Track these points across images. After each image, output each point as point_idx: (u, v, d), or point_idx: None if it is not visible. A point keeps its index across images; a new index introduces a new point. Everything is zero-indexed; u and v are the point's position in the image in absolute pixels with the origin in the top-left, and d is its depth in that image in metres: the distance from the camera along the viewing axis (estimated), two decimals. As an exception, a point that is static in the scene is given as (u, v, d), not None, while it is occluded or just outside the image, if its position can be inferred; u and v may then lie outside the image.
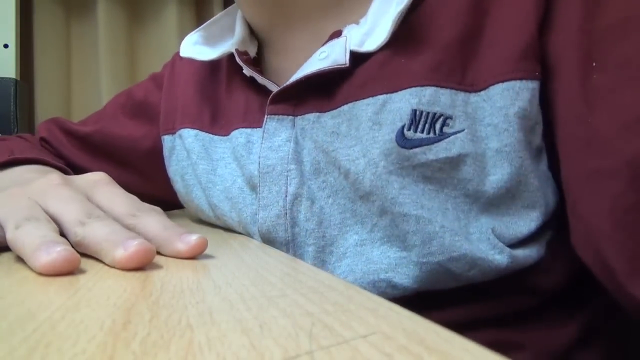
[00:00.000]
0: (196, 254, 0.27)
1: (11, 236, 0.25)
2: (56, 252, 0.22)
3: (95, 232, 0.26)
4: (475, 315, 0.36)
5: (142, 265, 0.24)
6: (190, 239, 0.27)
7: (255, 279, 0.22)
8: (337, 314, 0.16)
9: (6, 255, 0.27)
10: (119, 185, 0.33)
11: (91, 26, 1.11)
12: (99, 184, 0.32)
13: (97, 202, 0.30)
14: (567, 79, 0.31)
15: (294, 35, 0.43)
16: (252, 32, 0.48)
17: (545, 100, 0.33)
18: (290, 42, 0.43)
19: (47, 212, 0.28)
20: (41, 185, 0.30)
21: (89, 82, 1.12)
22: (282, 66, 0.45)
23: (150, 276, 0.22)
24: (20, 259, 0.25)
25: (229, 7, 0.50)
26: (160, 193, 0.55)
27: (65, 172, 0.49)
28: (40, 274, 0.22)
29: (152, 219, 0.29)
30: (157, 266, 0.25)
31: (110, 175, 0.33)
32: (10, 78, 0.96)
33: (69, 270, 0.23)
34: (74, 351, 0.13)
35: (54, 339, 0.14)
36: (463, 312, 0.36)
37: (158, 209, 0.34)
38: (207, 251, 0.31)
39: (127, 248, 0.24)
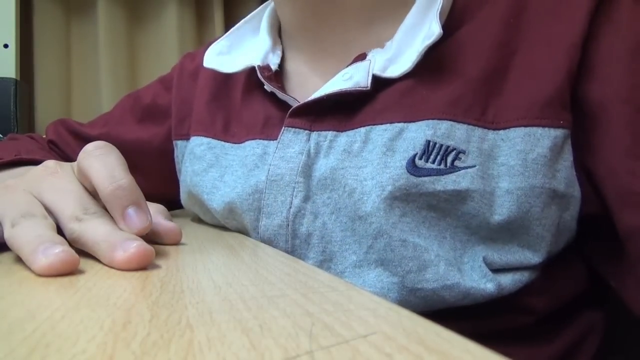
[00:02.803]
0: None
1: (8, 234, 0.25)
2: (54, 254, 0.22)
3: (92, 231, 0.26)
4: (467, 331, 0.36)
5: (141, 266, 0.24)
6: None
7: (255, 279, 0.22)
8: (337, 314, 0.16)
9: (6, 255, 0.27)
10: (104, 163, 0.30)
11: (91, 26, 1.11)
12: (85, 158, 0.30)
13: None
14: (616, 133, 0.31)
15: (323, 39, 0.43)
16: (278, 34, 0.48)
17: (580, 145, 0.33)
18: (319, 45, 0.43)
19: (42, 204, 0.27)
20: (36, 174, 0.30)
21: (89, 82, 1.12)
22: (306, 71, 0.45)
23: (150, 276, 0.22)
24: (20, 259, 0.25)
25: (255, 11, 0.50)
26: (169, 192, 0.55)
27: None
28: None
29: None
30: (157, 266, 0.25)
31: None
32: (10, 78, 0.96)
33: (68, 272, 0.23)
34: (74, 351, 0.13)
35: (54, 339, 0.14)
36: (453, 328, 0.36)
37: (160, 206, 0.34)
38: (207, 251, 0.31)
39: (126, 250, 0.24)
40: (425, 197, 0.33)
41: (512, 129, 0.33)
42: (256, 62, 0.44)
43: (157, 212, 0.32)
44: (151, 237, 0.32)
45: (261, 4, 0.52)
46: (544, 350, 0.37)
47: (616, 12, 0.33)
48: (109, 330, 0.14)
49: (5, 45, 0.97)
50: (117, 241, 0.24)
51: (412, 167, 0.33)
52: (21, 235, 0.24)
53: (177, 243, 0.33)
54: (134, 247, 0.24)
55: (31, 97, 1.06)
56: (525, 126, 0.32)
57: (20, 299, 0.18)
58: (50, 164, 0.31)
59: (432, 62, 0.35)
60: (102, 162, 0.28)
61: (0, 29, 0.97)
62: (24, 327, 0.15)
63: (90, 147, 0.29)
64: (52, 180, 0.29)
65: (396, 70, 0.36)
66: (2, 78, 0.95)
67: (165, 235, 0.32)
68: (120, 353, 0.13)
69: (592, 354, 0.39)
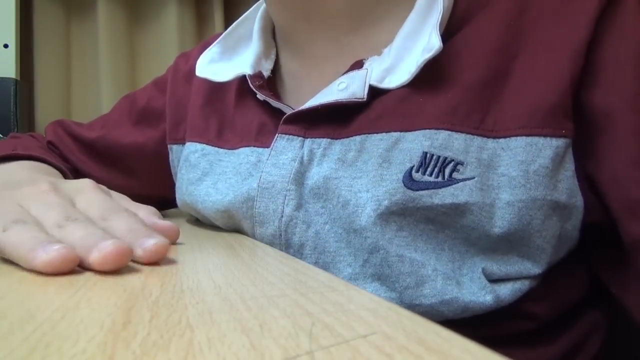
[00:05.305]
0: (153, 260, 0.25)
1: None
2: (54, 250, 0.22)
3: (71, 236, 0.25)
4: (467, 336, 0.35)
5: (119, 266, 0.23)
6: (147, 243, 0.25)
7: (255, 279, 0.22)
8: (337, 314, 0.16)
9: (6, 255, 0.27)
10: (103, 190, 0.32)
11: (91, 26, 1.11)
12: (82, 190, 0.31)
13: (77, 207, 0.30)
14: (621, 142, 0.31)
15: (316, 42, 0.42)
16: (273, 36, 0.47)
17: (583, 153, 0.32)
18: (312, 48, 0.42)
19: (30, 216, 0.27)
20: (29, 191, 0.30)
21: (89, 82, 1.12)
22: (300, 75, 0.44)
23: (150, 276, 0.22)
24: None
25: (247, 13, 0.49)
26: (166, 194, 0.55)
27: (63, 173, 0.50)
28: (39, 272, 0.22)
29: (120, 222, 0.28)
30: (157, 266, 0.25)
31: (116, 181, 0.33)
32: (10, 78, 0.96)
33: (68, 269, 0.23)
34: (74, 351, 0.13)
35: (54, 339, 0.14)
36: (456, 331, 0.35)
37: (152, 208, 0.34)
38: (207, 251, 0.31)
39: (101, 250, 0.23)
40: (423, 211, 0.32)
41: (513, 138, 0.32)
42: (247, 70, 0.43)
43: (150, 214, 0.32)
44: None
45: (261, 4, 0.51)
46: (546, 352, 0.37)
47: (621, 17, 0.32)
48: (109, 330, 0.14)
49: (5, 45, 0.97)
50: (93, 242, 0.24)
51: (409, 181, 0.32)
52: (14, 238, 0.24)
53: (175, 241, 0.33)
54: (108, 245, 0.23)
55: (31, 97, 1.06)
56: (527, 135, 0.31)
57: (20, 299, 0.18)
58: (43, 184, 0.30)
59: (430, 69, 0.34)
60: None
61: (0, 29, 0.97)
62: (24, 327, 0.15)
63: None
64: (42, 196, 0.29)
65: (394, 81, 0.36)
66: (2, 78, 0.95)
67: (163, 234, 0.32)
68: (120, 353, 0.13)
69: (594, 353, 0.39)
